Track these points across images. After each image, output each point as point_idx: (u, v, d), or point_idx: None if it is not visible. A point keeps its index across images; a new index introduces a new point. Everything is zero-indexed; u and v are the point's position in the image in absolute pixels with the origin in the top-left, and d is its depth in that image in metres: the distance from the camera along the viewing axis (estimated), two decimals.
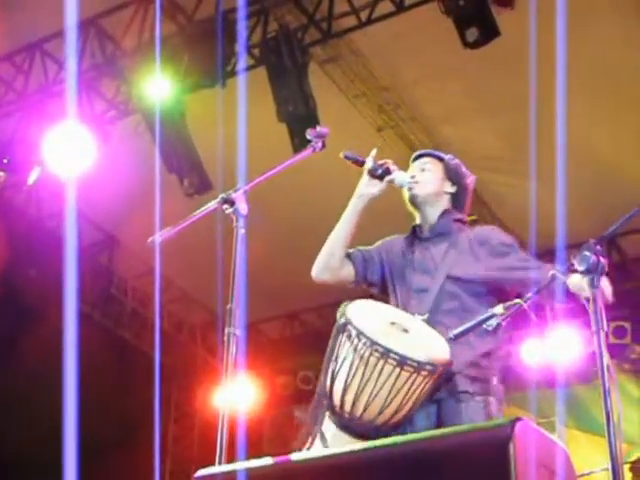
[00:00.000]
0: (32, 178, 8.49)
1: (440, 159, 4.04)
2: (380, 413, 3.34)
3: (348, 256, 3.94)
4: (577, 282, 3.18)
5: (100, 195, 8.53)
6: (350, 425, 3.37)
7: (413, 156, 4.10)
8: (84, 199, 7.78)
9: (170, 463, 11.27)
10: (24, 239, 9.47)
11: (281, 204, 8.77)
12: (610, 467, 2.72)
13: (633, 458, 7.99)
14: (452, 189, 4.00)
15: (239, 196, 3.59)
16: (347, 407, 3.34)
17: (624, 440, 2.82)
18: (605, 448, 2.74)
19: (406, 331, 3.46)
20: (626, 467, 7.44)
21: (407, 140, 8.64)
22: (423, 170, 3.99)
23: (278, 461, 2.84)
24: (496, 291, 3.80)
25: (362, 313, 3.44)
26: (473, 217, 10.50)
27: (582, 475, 5.94)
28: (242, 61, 7.52)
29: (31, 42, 8.24)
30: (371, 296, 3.85)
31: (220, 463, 3.15)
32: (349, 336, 3.34)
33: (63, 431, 4.52)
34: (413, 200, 3.95)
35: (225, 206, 3.59)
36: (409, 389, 3.32)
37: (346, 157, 3.86)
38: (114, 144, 8.24)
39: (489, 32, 6.77)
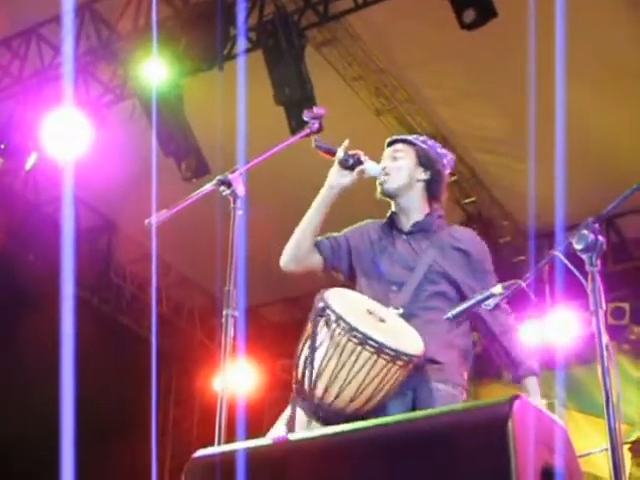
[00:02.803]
0: (29, 164, 8.48)
1: (412, 144, 3.97)
2: (352, 400, 3.31)
3: (316, 245, 3.92)
4: None
5: (97, 180, 8.51)
6: (318, 412, 3.35)
7: (386, 142, 4.05)
8: (81, 184, 7.78)
9: (171, 447, 11.31)
10: (22, 225, 9.47)
11: (282, 187, 8.76)
12: (609, 447, 2.72)
13: (632, 438, 8.01)
14: (425, 175, 3.92)
15: (236, 177, 3.57)
16: (318, 392, 3.31)
17: (623, 421, 2.82)
18: (604, 429, 2.74)
19: (382, 321, 3.45)
20: (625, 447, 7.46)
21: (405, 123, 8.62)
22: (395, 159, 3.93)
23: (276, 441, 2.85)
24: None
25: (341, 299, 3.42)
26: (472, 199, 10.54)
27: (582, 456, 5.94)
28: (242, 43, 7.49)
29: (27, 27, 8.21)
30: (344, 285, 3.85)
31: (219, 445, 3.16)
32: (327, 321, 3.32)
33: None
34: (385, 193, 3.92)
35: (222, 188, 3.58)
36: (383, 378, 3.31)
37: (317, 147, 3.83)
38: (111, 128, 8.22)
39: (486, 13, 6.74)
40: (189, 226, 7.52)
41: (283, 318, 11.73)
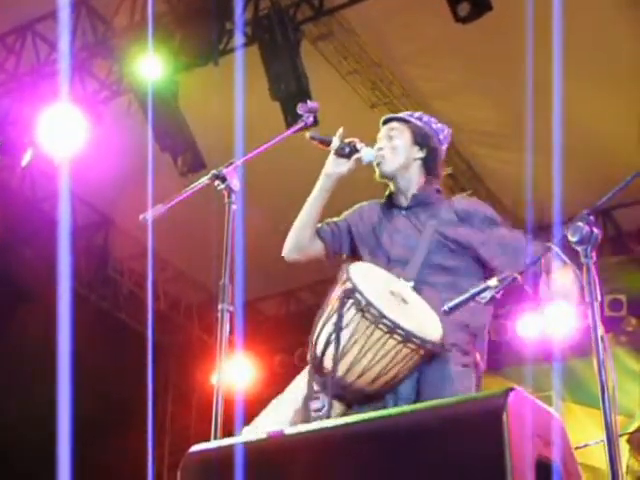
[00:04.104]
0: (25, 160, 8.47)
1: (407, 122, 3.95)
2: (373, 382, 3.34)
3: (317, 232, 3.92)
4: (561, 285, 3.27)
5: (94, 176, 8.50)
6: (336, 389, 3.35)
7: (382, 120, 4.03)
8: (78, 180, 7.76)
9: (169, 442, 11.31)
10: (19, 221, 9.46)
11: (277, 180, 8.76)
12: (606, 439, 2.72)
13: (630, 430, 8.02)
14: (421, 154, 3.91)
15: (230, 171, 3.57)
16: (340, 372, 3.32)
17: (621, 412, 2.83)
18: (602, 421, 2.75)
19: (405, 302, 3.45)
20: (623, 439, 7.47)
21: None
22: (390, 138, 3.92)
23: (272, 435, 2.85)
24: (478, 264, 3.78)
25: (366, 279, 3.41)
26: (468, 192, 10.54)
27: (579, 447, 5.95)
28: (239, 37, 7.48)
29: (22, 23, 8.21)
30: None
31: (215, 440, 3.16)
32: (356, 304, 3.31)
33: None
34: (383, 175, 3.91)
35: (216, 182, 3.57)
36: (406, 363, 3.34)
37: (312, 138, 3.81)
38: (107, 124, 8.21)
39: (481, 6, 6.74)
40: (186, 222, 7.53)
41: (280, 312, 11.74)
